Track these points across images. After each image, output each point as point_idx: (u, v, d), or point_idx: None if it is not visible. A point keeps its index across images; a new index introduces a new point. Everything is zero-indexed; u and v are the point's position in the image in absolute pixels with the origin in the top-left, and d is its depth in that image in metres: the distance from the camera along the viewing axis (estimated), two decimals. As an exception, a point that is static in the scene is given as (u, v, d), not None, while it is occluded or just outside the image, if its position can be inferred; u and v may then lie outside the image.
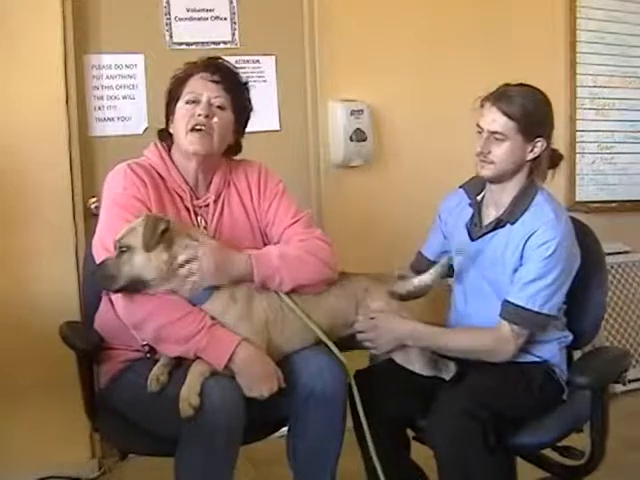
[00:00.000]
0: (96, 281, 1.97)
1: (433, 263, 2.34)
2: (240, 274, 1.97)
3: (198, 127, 2.03)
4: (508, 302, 2.08)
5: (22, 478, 2.72)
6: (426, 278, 2.18)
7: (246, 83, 2.18)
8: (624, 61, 3.73)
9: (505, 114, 2.07)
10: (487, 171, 2.13)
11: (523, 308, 2.05)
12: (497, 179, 2.15)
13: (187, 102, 2.06)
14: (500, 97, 2.09)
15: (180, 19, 2.99)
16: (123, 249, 1.90)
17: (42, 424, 2.79)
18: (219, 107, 2.06)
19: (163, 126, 2.16)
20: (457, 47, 3.33)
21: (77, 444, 2.87)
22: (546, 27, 3.54)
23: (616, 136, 3.77)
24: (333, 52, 3.15)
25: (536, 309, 2.05)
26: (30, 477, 2.74)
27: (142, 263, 1.89)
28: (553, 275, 2.05)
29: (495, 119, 2.08)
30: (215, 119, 2.05)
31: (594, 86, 3.68)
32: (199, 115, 2.03)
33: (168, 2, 2.97)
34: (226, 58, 2.96)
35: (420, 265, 2.39)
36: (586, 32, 3.62)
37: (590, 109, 3.69)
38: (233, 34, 3.07)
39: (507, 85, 2.13)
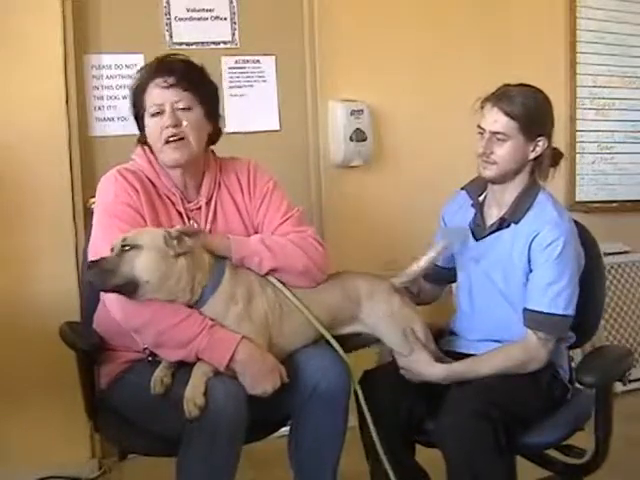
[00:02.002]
0: (90, 276, 1.90)
1: (442, 268, 2.32)
2: (217, 248, 1.97)
3: (172, 139, 2.01)
4: (530, 310, 2.07)
5: (22, 478, 2.71)
6: (416, 268, 2.16)
7: (202, 68, 2.11)
8: (624, 61, 3.73)
9: (506, 114, 2.07)
10: (490, 172, 2.13)
11: (546, 314, 2.05)
12: (500, 179, 2.14)
13: (153, 115, 2.03)
14: (501, 97, 2.09)
15: (180, 19, 3.00)
16: (127, 247, 1.87)
17: (42, 424, 2.79)
18: (184, 109, 2.02)
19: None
20: (457, 47, 3.33)
21: (77, 444, 2.87)
22: (546, 27, 3.54)
23: (616, 136, 3.77)
24: (333, 52, 3.15)
25: (560, 312, 2.05)
26: (30, 477, 2.74)
27: (144, 264, 1.86)
28: (567, 275, 2.06)
29: (497, 119, 2.08)
30: (185, 123, 2.01)
31: (594, 86, 3.68)
32: (167, 127, 2.00)
33: (168, 2, 2.97)
34: (226, 58, 3.02)
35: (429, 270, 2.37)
36: (586, 32, 3.62)
37: (590, 109, 3.69)
38: (233, 34, 3.07)
39: (507, 85, 2.13)
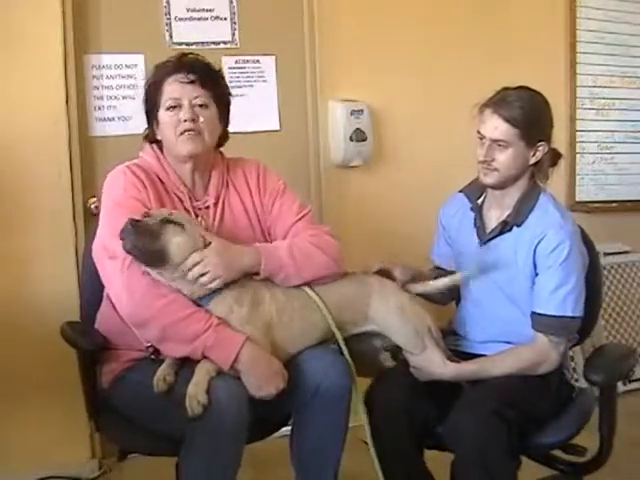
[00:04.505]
0: (130, 233, 1.85)
1: (446, 272, 2.31)
2: (247, 267, 1.97)
3: (187, 133, 2.02)
4: (538, 314, 2.07)
5: (22, 478, 2.71)
6: (428, 287, 2.19)
7: (220, 71, 2.15)
8: (624, 61, 3.74)
9: (506, 120, 2.05)
10: (491, 178, 2.12)
11: (556, 317, 2.05)
12: (500, 185, 2.14)
13: (168, 109, 2.04)
14: (500, 103, 2.08)
15: (180, 19, 3.00)
16: (172, 222, 1.89)
17: (42, 424, 2.79)
18: (201, 106, 2.04)
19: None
20: (457, 47, 3.33)
21: (77, 444, 2.87)
22: (546, 27, 3.55)
23: (616, 136, 3.78)
24: (333, 52, 3.15)
25: (569, 314, 2.05)
26: (30, 477, 2.73)
27: (182, 244, 1.88)
28: (574, 277, 2.05)
29: (497, 126, 2.07)
30: (201, 119, 2.03)
31: (594, 86, 3.68)
32: (185, 120, 2.02)
33: (168, 2, 2.97)
34: (226, 58, 3.02)
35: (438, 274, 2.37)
36: (586, 32, 3.62)
37: (590, 109, 3.69)
38: (233, 34, 3.07)
39: (506, 89, 2.11)
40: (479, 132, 2.12)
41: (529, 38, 3.46)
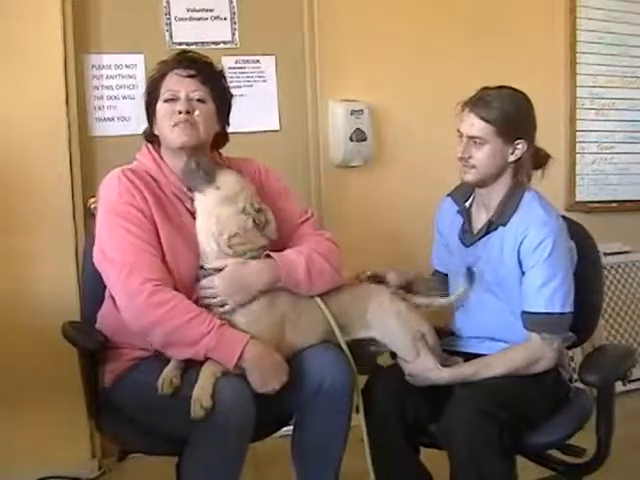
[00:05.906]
0: (197, 166, 2.01)
1: (446, 276, 2.32)
2: (266, 285, 2.00)
3: (182, 123, 2.03)
4: (528, 313, 2.07)
5: (22, 478, 2.71)
6: (425, 301, 2.22)
7: (221, 71, 2.17)
8: (624, 61, 3.74)
9: (482, 118, 2.06)
10: (470, 176, 2.12)
11: (544, 314, 2.04)
12: (481, 183, 2.14)
13: (166, 101, 2.05)
14: (477, 102, 2.09)
15: (180, 19, 3.00)
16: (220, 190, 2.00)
17: (42, 424, 2.79)
18: (199, 100, 2.05)
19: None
20: (457, 47, 3.34)
21: (77, 444, 2.88)
22: (546, 27, 3.55)
23: (616, 136, 3.78)
24: (333, 52, 3.15)
25: (558, 310, 2.04)
26: (30, 477, 2.73)
27: (231, 180, 2.01)
28: (561, 273, 2.05)
29: (473, 124, 2.07)
30: (197, 112, 2.04)
31: (594, 86, 3.68)
32: (180, 112, 2.03)
33: (168, 2, 2.98)
34: (226, 58, 3.02)
35: (438, 280, 2.37)
36: (586, 32, 3.62)
37: (590, 109, 3.69)
38: (233, 34, 3.07)
39: (486, 89, 2.12)
40: (458, 130, 2.13)
41: (529, 38, 3.46)
